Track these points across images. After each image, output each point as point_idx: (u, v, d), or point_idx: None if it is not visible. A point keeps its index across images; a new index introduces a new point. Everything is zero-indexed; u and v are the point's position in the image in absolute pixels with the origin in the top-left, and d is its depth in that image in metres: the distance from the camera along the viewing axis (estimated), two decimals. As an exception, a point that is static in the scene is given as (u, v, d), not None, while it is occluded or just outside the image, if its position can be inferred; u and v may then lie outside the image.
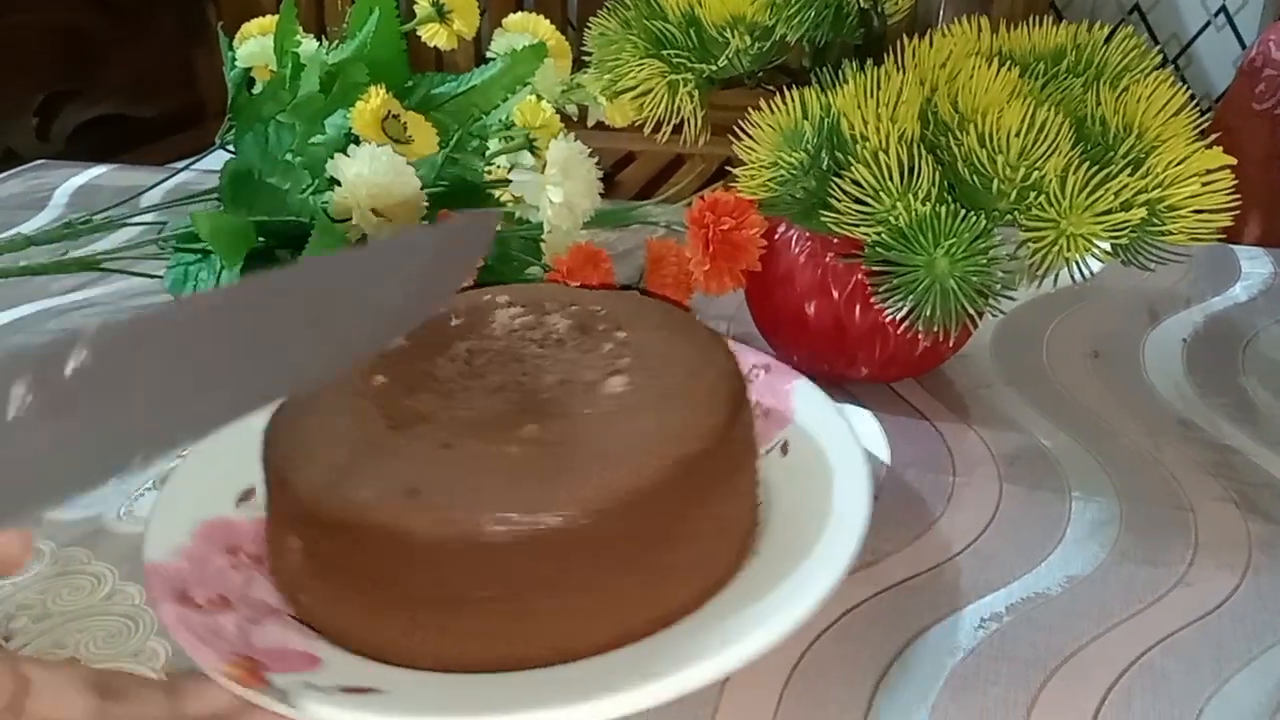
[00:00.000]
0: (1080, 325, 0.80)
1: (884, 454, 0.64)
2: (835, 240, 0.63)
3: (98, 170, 1.14)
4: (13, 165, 1.15)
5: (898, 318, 0.54)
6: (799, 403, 0.55)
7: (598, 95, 0.76)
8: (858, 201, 0.56)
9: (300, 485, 0.44)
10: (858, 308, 0.65)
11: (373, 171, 0.65)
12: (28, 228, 0.96)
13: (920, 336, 0.58)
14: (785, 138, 0.58)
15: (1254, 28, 2.14)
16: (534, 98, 0.75)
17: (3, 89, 1.98)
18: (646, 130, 0.71)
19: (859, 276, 0.64)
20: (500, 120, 0.75)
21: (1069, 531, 0.57)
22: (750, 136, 0.60)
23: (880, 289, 0.54)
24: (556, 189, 0.68)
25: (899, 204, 0.54)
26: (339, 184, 0.66)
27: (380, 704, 0.39)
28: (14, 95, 2.03)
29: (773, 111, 0.59)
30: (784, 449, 0.53)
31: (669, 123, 0.71)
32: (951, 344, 0.68)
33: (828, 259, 0.65)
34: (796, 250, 0.67)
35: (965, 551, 0.56)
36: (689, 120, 0.71)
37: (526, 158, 0.75)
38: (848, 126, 0.56)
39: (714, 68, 0.67)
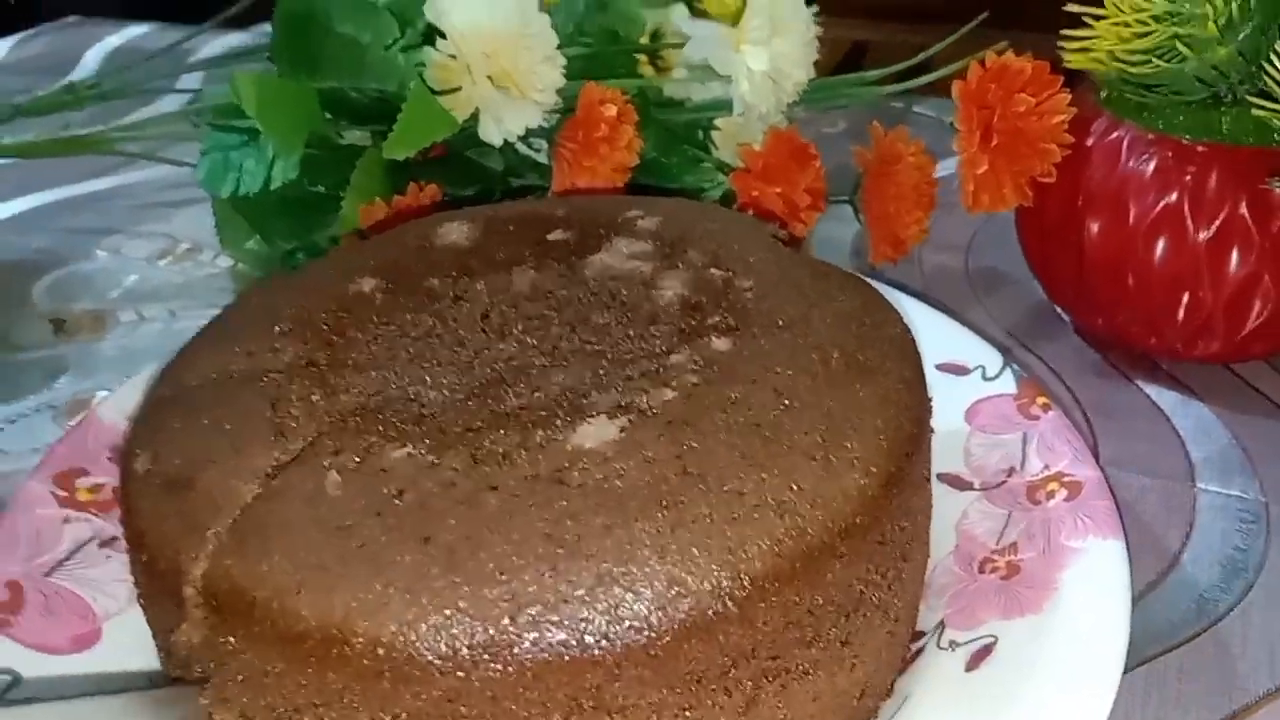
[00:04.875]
0: None
1: (1253, 489, 0.41)
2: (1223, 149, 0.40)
3: (140, 29, 0.93)
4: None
5: None
6: (1070, 582, 0.31)
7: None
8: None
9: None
10: (1235, 255, 0.42)
11: (493, 19, 0.43)
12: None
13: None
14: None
15: None
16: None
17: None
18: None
19: (1242, 212, 0.41)
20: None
21: None
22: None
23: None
24: (759, 51, 0.45)
25: None
26: (442, 37, 0.44)
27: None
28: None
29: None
30: (977, 658, 0.29)
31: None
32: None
33: (1191, 178, 0.41)
34: (1132, 162, 0.43)
35: None
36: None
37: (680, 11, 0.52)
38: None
39: None
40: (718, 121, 0.51)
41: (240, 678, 0.25)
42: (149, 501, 0.27)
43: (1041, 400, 0.37)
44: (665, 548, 0.24)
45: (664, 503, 0.25)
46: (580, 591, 0.23)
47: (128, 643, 0.30)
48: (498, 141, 0.46)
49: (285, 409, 0.28)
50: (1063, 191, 0.45)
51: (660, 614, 0.23)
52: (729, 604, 0.24)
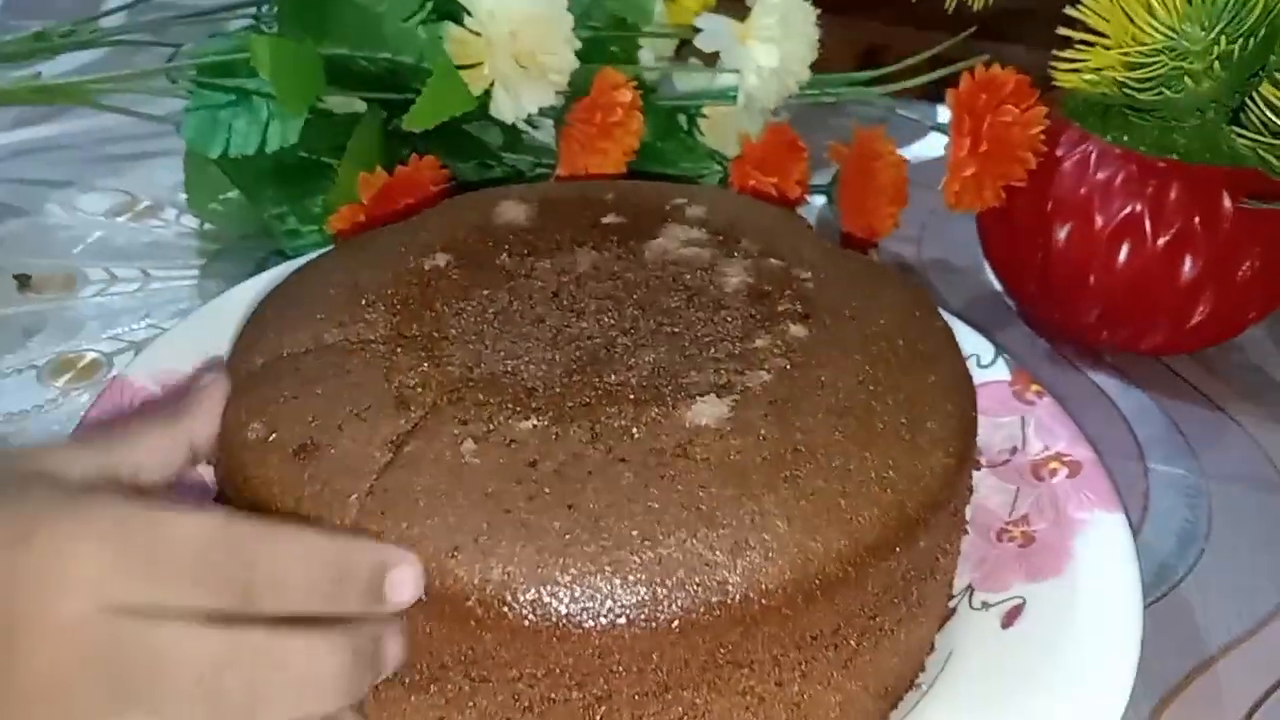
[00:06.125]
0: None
1: (1195, 469, 0.46)
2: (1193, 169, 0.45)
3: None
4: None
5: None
6: (1083, 549, 0.35)
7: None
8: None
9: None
10: (1188, 260, 0.46)
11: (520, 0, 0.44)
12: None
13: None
14: (1195, 7, 0.38)
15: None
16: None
17: None
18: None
19: (1195, 223, 0.46)
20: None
21: None
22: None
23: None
24: (770, 48, 0.47)
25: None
26: (468, 13, 0.44)
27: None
28: None
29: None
30: (1010, 616, 0.33)
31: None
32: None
33: (1153, 191, 0.46)
34: (1099, 173, 0.47)
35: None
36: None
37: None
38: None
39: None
40: (706, 110, 0.53)
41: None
42: (272, 468, 0.28)
43: (1035, 387, 0.41)
44: (791, 517, 0.26)
45: (783, 476, 0.27)
46: (721, 556, 0.26)
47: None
48: (510, 118, 0.47)
49: (398, 378, 0.29)
50: (1032, 196, 0.49)
51: (791, 577, 0.26)
52: (849, 569, 0.26)
